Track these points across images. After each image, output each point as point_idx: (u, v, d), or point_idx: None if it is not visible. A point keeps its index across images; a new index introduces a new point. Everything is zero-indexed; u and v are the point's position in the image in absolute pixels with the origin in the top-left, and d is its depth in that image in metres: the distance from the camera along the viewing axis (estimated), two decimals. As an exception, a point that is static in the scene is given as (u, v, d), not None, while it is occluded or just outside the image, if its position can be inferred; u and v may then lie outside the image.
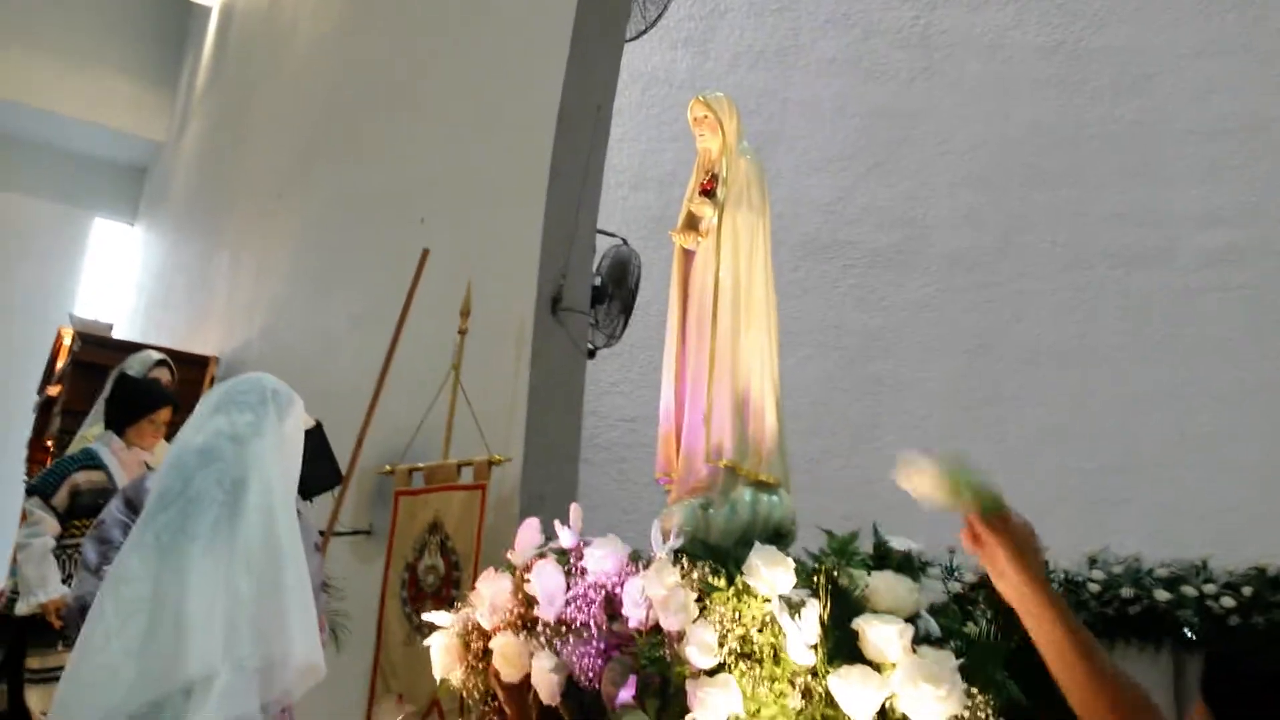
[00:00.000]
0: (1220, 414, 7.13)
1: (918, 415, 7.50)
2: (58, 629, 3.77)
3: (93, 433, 4.58)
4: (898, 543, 2.38)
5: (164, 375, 4.93)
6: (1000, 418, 7.44)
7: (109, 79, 11.78)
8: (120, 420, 4.11)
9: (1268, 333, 7.22)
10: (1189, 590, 6.62)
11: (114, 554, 1.94)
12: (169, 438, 4.05)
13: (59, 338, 8.05)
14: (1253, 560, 6.71)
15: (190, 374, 7.02)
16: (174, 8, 12.09)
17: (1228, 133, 7.64)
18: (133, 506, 2.66)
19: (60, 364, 7.74)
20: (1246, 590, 6.55)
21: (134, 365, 4.89)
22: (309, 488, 4.56)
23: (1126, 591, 6.71)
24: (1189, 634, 6.47)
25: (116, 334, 9.56)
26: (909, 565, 2.34)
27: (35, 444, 7.60)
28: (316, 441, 4.52)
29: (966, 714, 1.87)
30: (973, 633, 2.21)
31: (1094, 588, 6.78)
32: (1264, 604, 6.49)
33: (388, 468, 4.46)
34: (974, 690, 1.91)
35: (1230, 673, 1.34)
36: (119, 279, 12.13)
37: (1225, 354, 7.26)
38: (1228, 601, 6.52)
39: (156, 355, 5.05)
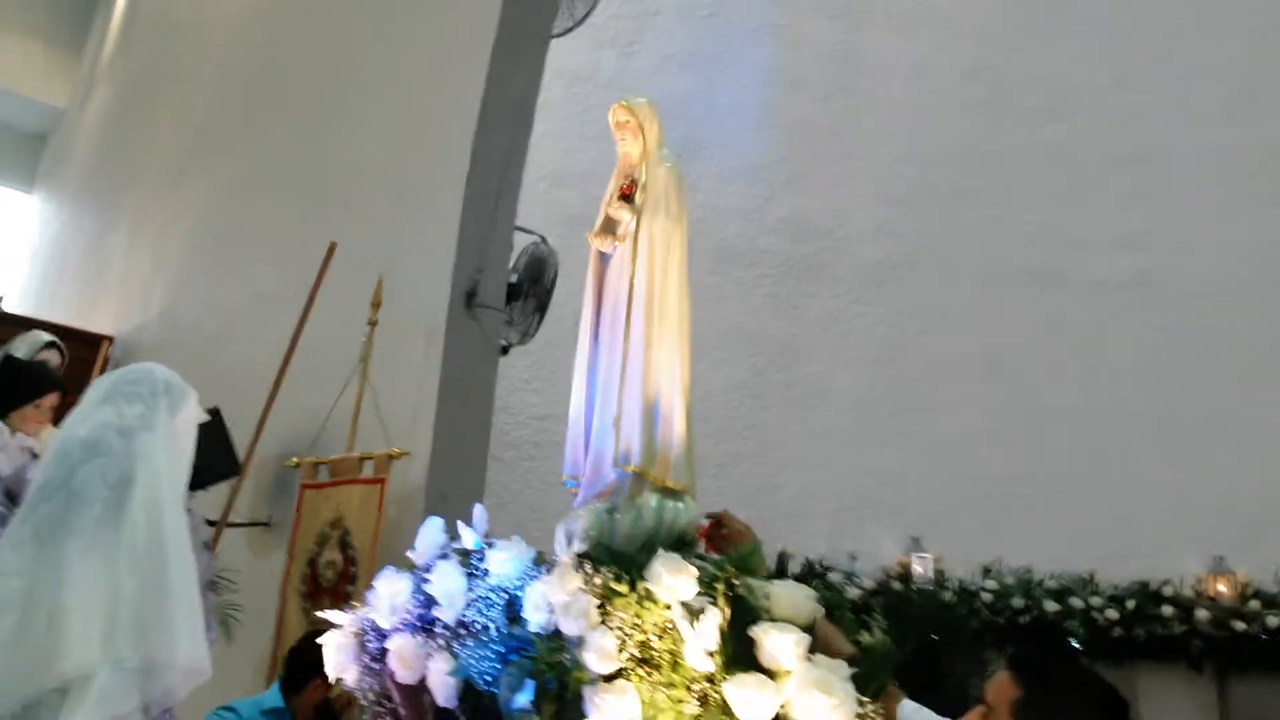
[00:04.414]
0: (1117, 434, 7.40)
1: (825, 423, 7.63)
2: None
3: (-27, 415, 4.36)
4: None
5: (53, 358, 4.71)
6: (905, 427, 7.62)
7: (10, 39, 11.23)
8: (4, 405, 3.92)
9: (1168, 358, 7.51)
10: (1076, 602, 6.88)
11: (-12, 546, 1.85)
12: (57, 423, 3.88)
13: (-57, 310, 7.66)
14: (1137, 575, 7.01)
15: (83, 353, 6.73)
16: (84, -31, 11.60)
17: (1142, 161, 7.90)
18: (12, 497, 2.55)
19: (-57, 337, 7.36)
20: (1130, 604, 6.83)
21: (21, 347, 4.67)
22: (204, 478, 4.42)
23: (1017, 601, 6.94)
24: (1074, 644, 6.72)
25: (7, 307, 9.12)
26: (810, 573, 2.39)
27: (-88, 422, 7.21)
28: (213, 429, 4.38)
29: (857, 722, 1.91)
30: (867, 641, 2.25)
31: (987, 597, 7.00)
32: (1145, 617, 6.79)
33: (294, 460, 4.36)
34: (865, 699, 1.94)
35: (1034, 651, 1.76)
36: (12, 249, 11.59)
37: (1126, 376, 7.53)
38: (1112, 614, 6.79)
39: (46, 337, 4.83)
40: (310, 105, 5.91)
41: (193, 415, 1.90)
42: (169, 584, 1.69)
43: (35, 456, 3.71)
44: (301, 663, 3.31)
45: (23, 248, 11.47)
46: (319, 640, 2.62)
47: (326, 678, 3.13)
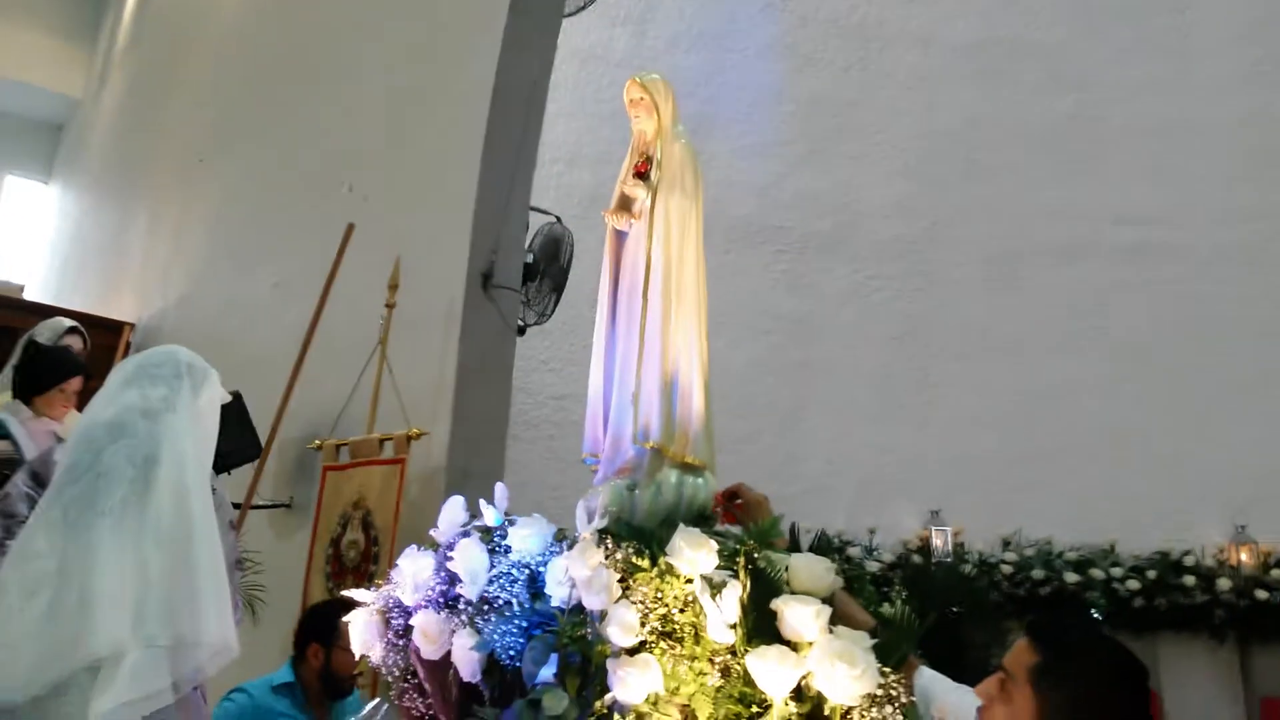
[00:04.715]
0: (1133, 408, 7.36)
1: (843, 399, 7.62)
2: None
3: (-1, 401, 4.41)
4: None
5: (76, 343, 4.74)
6: (922, 403, 7.60)
7: (24, 32, 11.28)
8: (29, 389, 3.96)
9: (1181, 330, 7.45)
10: (1097, 573, 6.87)
11: (18, 529, 1.87)
12: (81, 407, 3.92)
13: (-35, 299, 7.72)
14: (1157, 545, 6.98)
15: (104, 339, 6.80)
16: (93, -40, 11.62)
17: (1156, 133, 7.81)
18: (39, 480, 2.58)
19: (-34, 326, 7.42)
20: (1151, 574, 6.81)
21: (44, 332, 4.70)
22: (228, 460, 4.47)
23: (1037, 573, 6.94)
24: (1096, 615, 6.72)
25: (28, 295, 9.21)
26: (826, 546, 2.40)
27: (-62, 410, 7.29)
28: (236, 413, 4.42)
29: (880, 692, 1.91)
30: (888, 613, 2.26)
31: (1006, 569, 7.00)
32: (1167, 587, 6.77)
33: (316, 442, 4.39)
34: (887, 669, 1.95)
35: (1052, 619, 1.90)
36: (32, 239, 11.67)
37: (1140, 349, 7.48)
38: (1133, 584, 6.78)
39: (68, 322, 4.85)
40: (324, 90, 5.91)
41: (216, 396, 1.91)
42: (196, 563, 1.71)
43: (60, 440, 3.75)
44: (302, 632, 3.38)
45: (42, 237, 11.56)
46: (316, 610, 2.65)
47: (322, 643, 3.22)
